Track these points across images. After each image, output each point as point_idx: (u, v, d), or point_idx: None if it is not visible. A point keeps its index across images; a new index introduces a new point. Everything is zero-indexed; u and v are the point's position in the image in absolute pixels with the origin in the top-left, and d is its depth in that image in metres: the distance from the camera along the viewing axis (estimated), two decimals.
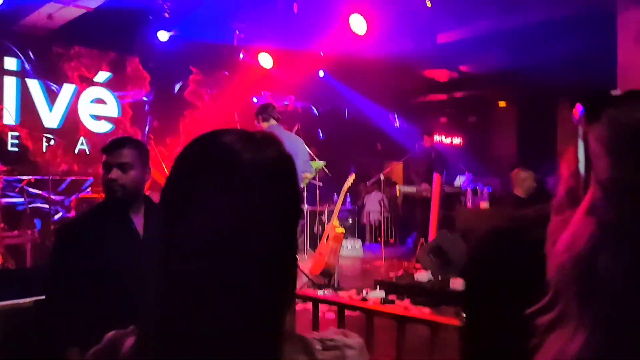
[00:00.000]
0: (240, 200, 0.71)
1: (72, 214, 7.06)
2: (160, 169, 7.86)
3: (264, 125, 5.07)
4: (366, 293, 5.24)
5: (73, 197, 7.34)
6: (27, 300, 2.25)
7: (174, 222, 0.74)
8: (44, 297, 2.25)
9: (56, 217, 6.94)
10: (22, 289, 2.54)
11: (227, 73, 9.56)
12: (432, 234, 6.41)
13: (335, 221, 5.83)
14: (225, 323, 0.68)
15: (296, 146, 5.07)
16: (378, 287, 5.35)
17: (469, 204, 6.38)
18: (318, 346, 0.75)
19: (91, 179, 7.79)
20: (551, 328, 0.59)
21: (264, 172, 0.73)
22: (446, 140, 12.58)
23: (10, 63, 7.86)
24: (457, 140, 13.27)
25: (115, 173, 2.19)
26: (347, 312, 2.90)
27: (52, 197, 6.85)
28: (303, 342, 0.75)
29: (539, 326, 0.60)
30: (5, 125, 7.63)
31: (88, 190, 7.69)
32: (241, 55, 8.85)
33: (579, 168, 0.62)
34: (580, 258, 0.57)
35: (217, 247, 0.70)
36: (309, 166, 5.35)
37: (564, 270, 0.59)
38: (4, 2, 6.87)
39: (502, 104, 13.30)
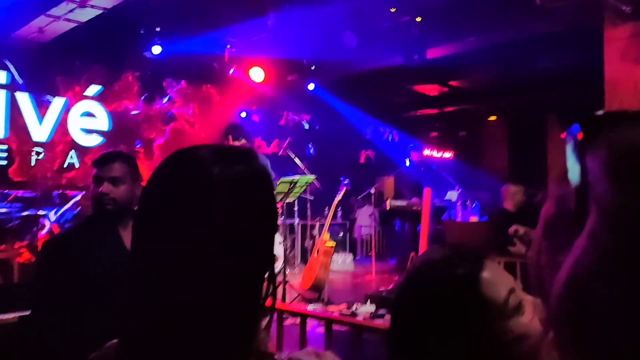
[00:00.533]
0: (209, 214, 0.71)
1: (60, 228, 6.99)
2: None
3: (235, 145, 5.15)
4: (356, 307, 5.22)
5: (61, 211, 7.27)
6: (12, 315, 2.21)
7: (144, 233, 0.75)
8: (29, 312, 2.22)
9: (43, 231, 6.87)
10: (7, 305, 2.51)
11: (218, 87, 9.58)
12: (422, 248, 6.42)
13: (325, 235, 5.82)
14: (191, 337, 0.68)
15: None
16: (369, 302, 5.33)
17: (458, 218, 6.39)
18: None
19: (80, 192, 7.72)
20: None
21: (234, 186, 0.73)
22: (437, 154, 12.63)
23: (0, 76, 7.84)
24: (448, 154, 13.34)
25: (106, 187, 2.18)
26: (337, 327, 2.87)
27: (40, 211, 6.79)
28: None
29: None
30: None
31: (76, 200, 7.59)
32: (232, 71, 8.86)
33: (571, 190, 0.60)
34: (579, 285, 0.56)
35: (185, 260, 0.70)
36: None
37: (561, 297, 0.58)
38: None
39: (492, 117, 13.41)
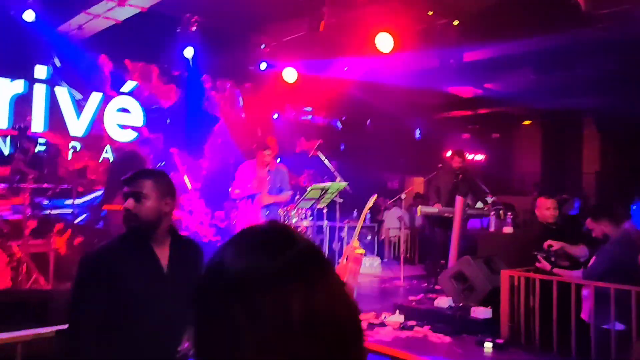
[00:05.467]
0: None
1: (95, 223, 7.15)
2: (181, 179, 7.91)
3: None
4: (385, 317, 5.19)
5: (97, 206, 7.41)
6: (49, 329, 2.24)
7: None
8: (65, 326, 2.25)
9: (77, 220, 7.02)
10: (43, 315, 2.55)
11: (251, 87, 9.59)
12: (452, 257, 6.33)
13: (355, 242, 5.77)
14: None
15: None
16: (398, 311, 5.29)
17: (492, 228, 6.28)
18: None
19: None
20: None
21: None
22: (469, 156, 12.46)
23: (41, 71, 8.02)
24: (480, 157, 13.15)
25: (129, 203, 2.18)
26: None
27: (76, 205, 6.93)
28: None
29: None
30: (34, 132, 7.77)
31: (97, 195, 7.69)
32: (264, 65, 8.83)
33: None
34: None
35: None
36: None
37: None
38: (36, 14, 7.04)
39: (527, 122, 13.16)
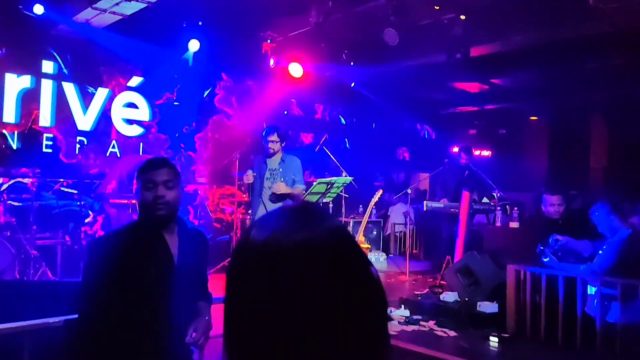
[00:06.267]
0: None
1: (102, 217, 7.19)
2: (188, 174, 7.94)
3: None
4: (390, 311, 5.19)
5: (103, 200, 7.45)
6: (57, 319, 2.26)
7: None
8: (75, 316, 2.26)
9: (87, 220, 7.07)
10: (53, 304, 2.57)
11: (257, 81, 9.60)
12: (458, 252, 6.33)
13: (360, 237, 5.79)
14: None
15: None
16: (403, 306, 5.30)
17: (498, 223, 6.27)
18: None
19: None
20: None
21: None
22: (475, 152, 12.42)
23: (48, 66, 8.04)
24: (486, 153, 13.10)
25: (162, 190, 2.17)
26: None
27: (83, 199, 6.98)
28: None
29: None
30: (41, 127, 7.81)
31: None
32: (272, 62, 8.84)
33: None
34: None
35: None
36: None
37: None
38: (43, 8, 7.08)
39: (533, 118, 13.10)
